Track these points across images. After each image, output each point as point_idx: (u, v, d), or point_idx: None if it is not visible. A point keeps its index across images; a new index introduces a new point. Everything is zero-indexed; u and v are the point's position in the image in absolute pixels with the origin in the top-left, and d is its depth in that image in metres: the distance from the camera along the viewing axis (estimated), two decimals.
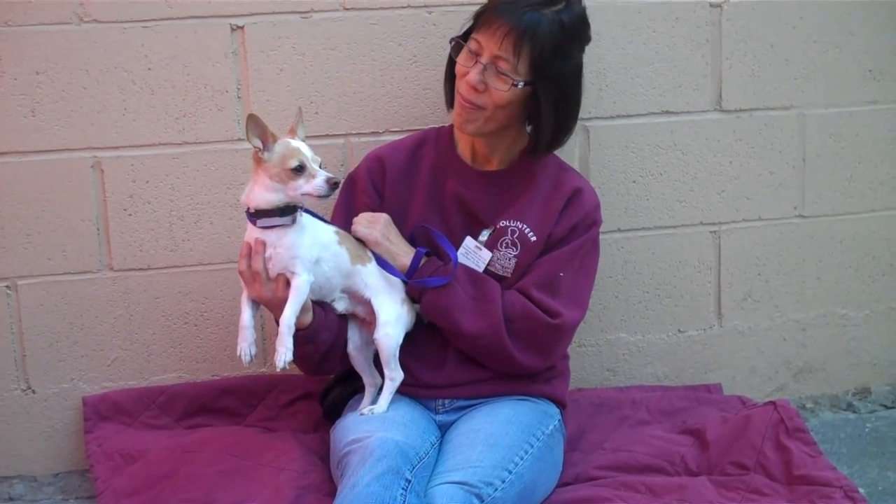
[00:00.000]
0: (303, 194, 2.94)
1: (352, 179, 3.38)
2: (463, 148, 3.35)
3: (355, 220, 3.23)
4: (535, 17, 3.08)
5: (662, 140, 3.79)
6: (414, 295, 3.21)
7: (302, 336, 3.07)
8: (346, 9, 3.55)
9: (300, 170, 2.93)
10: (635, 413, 3.64)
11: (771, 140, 3.87)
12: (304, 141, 3.02)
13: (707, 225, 3.87)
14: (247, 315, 3.06)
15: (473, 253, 3.26)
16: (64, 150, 3.47)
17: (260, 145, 2.95)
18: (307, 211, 3.08)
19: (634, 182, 3.79)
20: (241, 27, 3.50)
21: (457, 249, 3.26)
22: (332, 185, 2.93)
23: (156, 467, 3.26)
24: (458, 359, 3.24)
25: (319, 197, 2.94)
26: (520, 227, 3.25)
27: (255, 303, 3.08)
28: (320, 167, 2.96)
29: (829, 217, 3.96)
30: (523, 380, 3.27)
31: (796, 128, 3.88)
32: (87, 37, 3.43)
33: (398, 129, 3.62)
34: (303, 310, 3.05)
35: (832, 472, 3.19)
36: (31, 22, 3.39)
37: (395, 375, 3.17)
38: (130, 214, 3.54)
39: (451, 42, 3.24)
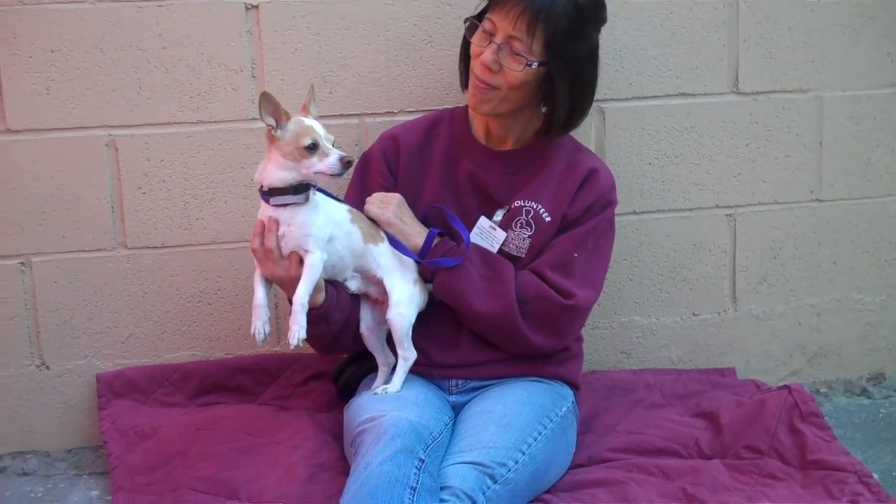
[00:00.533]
0: (316, 173, 2.94)
1: (366, 159, 3.37)
2: (477, 128, 3.34)
3: (368, 199, 3.23)
4: None
5: (679, 122, 3.77)
6: (426, 275, 3.21)
7: (314, 315, 3.06)
8: None
9: (313, 148, 2.92)
10: (649, 396, 3.63)
11: (788, 123, 3.85)
12: (317, 119, 3.01)
13: (723, 208, 3.85)
14: (260, 293, 3.06)
15: (488, 233, 3.25)
16: (79, 129, 3.47)
17: (273, 123, 2.95)
18: (320, 189, 3.07)
19: (650, 164, 3.77)
20: (256, 6, 3.49)
21: (470, 230, 3.25)
22: (346, 163, 2.92)
23: (169, 444, 3.27)
24: (472, 339, 3.23)
25: (333, 176, 2.93)
26: (534, 207, 3.24)
27: (268, 281, 3.08)
28: (333, 146, 2.95)
29: (846, 201, 3.94)
30: (537, 361, 3.26)
31: (813, 111, 3.86)
32: (102, 15, 3.43)
33: (413, 110, 3.61)
34: (316, 289, 3.04)
35: (846, 457, 3.18)
36: (46, 0, 3.39)
37: (408, 355, 3.17)
38: (145, 193, 3.54)
39: (465, 22, 3.22)
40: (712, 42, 3.75)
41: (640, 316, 3.86)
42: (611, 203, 3.31)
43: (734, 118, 3.81)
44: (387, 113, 3.61)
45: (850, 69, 3.86)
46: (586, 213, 3.25)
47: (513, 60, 3.10)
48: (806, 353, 3.99)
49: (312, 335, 3.07)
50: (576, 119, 3.26)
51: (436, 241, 3.20)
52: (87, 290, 3.56)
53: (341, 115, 3.56)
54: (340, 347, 3.29)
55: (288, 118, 2.96)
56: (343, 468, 3.05)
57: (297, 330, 2.97)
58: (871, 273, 4.00)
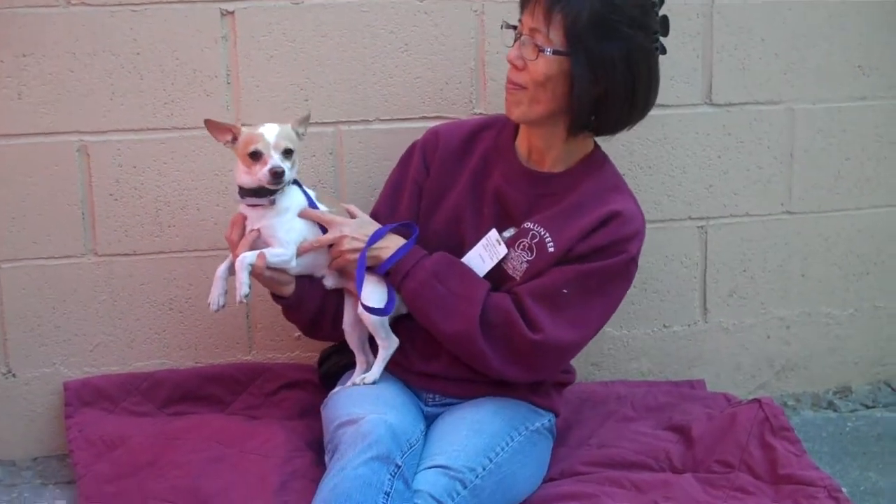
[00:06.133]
0: (259, 179, 3.00)
1: (411, 147, 3.36)
2: (521, 141, 3.26)
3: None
4: None
5: (652, 133, 3.77)
6: (394, 284, 3.15)
7: (284, 305, 3.16)
8: None
9: (256, 156, 2.98)
10: (620, 409, 3.63)
11: (759, 135, 3.86)
12: (300, 134, 3.08)
13: (694, 220, 3.86)
14: (222, 266, 3.10)
15: (493, 245, 3.17)
16: (50, 134, 3.43)
17: (229, 139, 3.05)
18: (299, 185, 3.13)
19: (623, 174, 3.71)
20: (232, 12, 3.46)
21: (480, 238, 3.21)
22: (273, 174, 2.97)
23: (139, 454, 3.23)
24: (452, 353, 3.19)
25: (269, 185, 2.98)
26: (541, 233, 3.13)
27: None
28: (285, 153, 2.99)
29: (816, 214, 3.95)
30: (518, 387, 3.20)
31: (785, 122, 3.86)
32: (75, 19, 3.38)
33: (389, 118, 3.60)
34: (282, 283, 3.09)
35: (816, 472, 3.19)
36: (18, 4, 3.34)
37: (387, 344, 3.15)
38: (116, 199, 3.50)
39: (502, 29, 3.17)
40: (686, 53, 3.75)
41: (611, 328, 3.85)
42: (625, 252, 3.10)
43: (707, 129, 3.81)
44: (362, 121, 3.59)
45: (821, 81, 3.87)
46: (594, 253, 3.09)
47: (531, 51, 3.03)
48: (774, 366, 4.01)
49: (291, 321, 3.24)
50: (603, 123, 3.13)
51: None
52: (56, 297, 3.52)
53: (317, 123, 3.50)
54: (321, 333, 3.30)
55: (238, 131, 3.04)
56: (315, 475, 3.00)
57: (239, 287, 2.99)
58: (839, 286, 4.01)
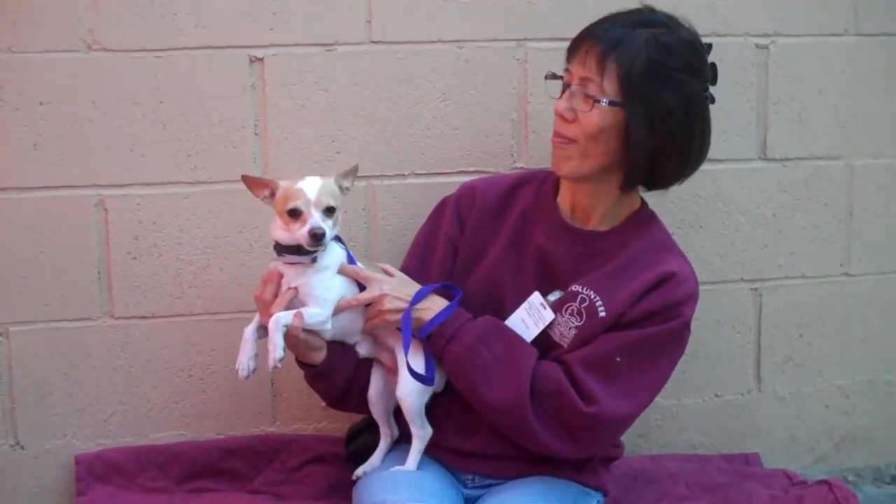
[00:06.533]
0: (297, 239, 2.84)
1: (443, 203, 3.21)
2: (563, 197, 3.10)
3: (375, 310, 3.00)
4: (622, 31, 2.86)
5: (704, 189, 3.62)
6: (435, 351, 2.97)
7: (313, 372, 2.97)
8: (374, 42, 3.38)
9: (296, 214, 2.82)
10: (675, 488, 3.42)
11: (817, 192, 3.71)
12: (343, 188, 2.92)
13: (748, 281, 3.71)
14: (250, 328, 2.92)
15: (537, 310, 2.99)
16: (66, 187, 3.30)
17: (266, 193, 2.89)
18: (339, 240, 2.97)
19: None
20: (261, 59, 3.33)
21: (521, 302, 3.03)
22: (313, 236, 2.79)
23: None
24: (491, 427, 3.00)
25: (308, 246, 2.82)
26: (591, 296, 2.95)
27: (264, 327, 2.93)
28: (326, 211, 2.82)
29: (876, 276, 3.81)
30: (562, 464, 3.01)
31: (843, 179, 3.73)
32: (96, 66, 3.26)
33: (425, 172, 3.45)
34: (313, 348, 2.92)
35: None
36: (36, 49, 3.22)
37: (422, 433, 2.99)
38: (135, 258, 3.36)
39: (546, 79, 3.03)
40: (740, 104, 3.61)
41: (660, 397, 3.53)
42: (680, 316, 2.96)
43: (761, 186, 3.67)
44: (397, 175, 3.45)
45: (882, 135, 3.75)
46: (647, 318, 2.93)
47: (584, 102, 2.87)
48: (833, 438, 3.84)
49: (316, 389, 3.06)
50: (657, 176, 2.99)
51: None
52: (69, 363, 3.37)
53: None
54: (349, 405, 3.13)
55: (276, 186, 2.88)
56: None
57: (272, 350, 2.79)
58: None
